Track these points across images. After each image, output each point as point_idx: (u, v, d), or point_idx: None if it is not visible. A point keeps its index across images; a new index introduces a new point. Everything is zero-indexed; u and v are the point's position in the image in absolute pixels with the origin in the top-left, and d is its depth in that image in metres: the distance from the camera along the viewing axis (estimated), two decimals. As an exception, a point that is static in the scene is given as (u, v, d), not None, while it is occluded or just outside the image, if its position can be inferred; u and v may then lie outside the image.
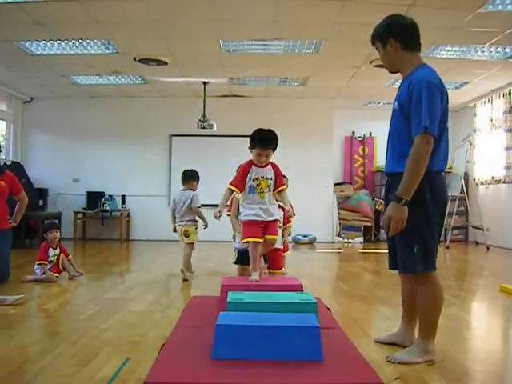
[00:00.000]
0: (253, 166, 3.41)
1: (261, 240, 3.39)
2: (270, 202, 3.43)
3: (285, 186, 3.54)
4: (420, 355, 2.67)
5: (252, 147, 3.42)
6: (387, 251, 2.99)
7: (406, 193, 2.55)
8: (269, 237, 3.44)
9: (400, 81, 2.87)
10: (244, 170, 3.42)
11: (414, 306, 2.88)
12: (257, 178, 3.39)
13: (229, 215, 5.00)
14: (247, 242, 3.39)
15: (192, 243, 5.68)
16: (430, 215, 2.62)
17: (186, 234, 5.62)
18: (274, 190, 3.46)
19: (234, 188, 3.41)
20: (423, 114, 2.54)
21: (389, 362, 2.67)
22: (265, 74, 8.59)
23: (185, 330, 2.49)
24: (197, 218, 5.70)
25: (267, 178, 3.41)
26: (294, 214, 3.96)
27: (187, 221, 5.63)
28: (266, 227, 3.42)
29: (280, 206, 3.65)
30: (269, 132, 3.44)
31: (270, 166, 3.45)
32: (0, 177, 5.12)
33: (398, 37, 2.73)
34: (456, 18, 5.77)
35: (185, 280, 5.41)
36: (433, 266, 2.70)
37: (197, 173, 5.83)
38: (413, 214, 2.59)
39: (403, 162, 2.64)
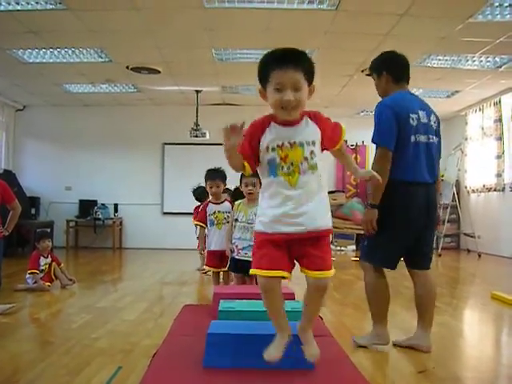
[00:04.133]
0: (272, 123, 1.81)
1: (285, 273, 1.78)
2: (314, 192, 1.79)
3: (343, 142, 1.96)
4: (370, 339, 3.08)
5: (263, 82, 1.89)
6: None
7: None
8: (314, 274, 1.76)
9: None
10: (254, 127, 1.85)
11: (424, 308, 3.06)
12: (280, 146, 1.77)
13: (201, 225, 4.39)
14: (257, 274, 1.78)
15: None
16: (384, 218, 2.97)
17: None
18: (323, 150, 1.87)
19: (243, 162, 1.87)
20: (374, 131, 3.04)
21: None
22: (258, 82, 8.60)
23: (177, 339, 2.49)
24: None
25: (302, 145, 1.77)
26: None
27: None
28: (305, 248, 1.77)
29: None
30: (291, 50, 1.85)
31: (306, 117, 1.83)
32: (-9, 185, 5.08)
33: (389, 71, 3.20)
34: (447, 27, 5.83)
35: None
36: (378, 262, 3.08)
37: None
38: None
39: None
